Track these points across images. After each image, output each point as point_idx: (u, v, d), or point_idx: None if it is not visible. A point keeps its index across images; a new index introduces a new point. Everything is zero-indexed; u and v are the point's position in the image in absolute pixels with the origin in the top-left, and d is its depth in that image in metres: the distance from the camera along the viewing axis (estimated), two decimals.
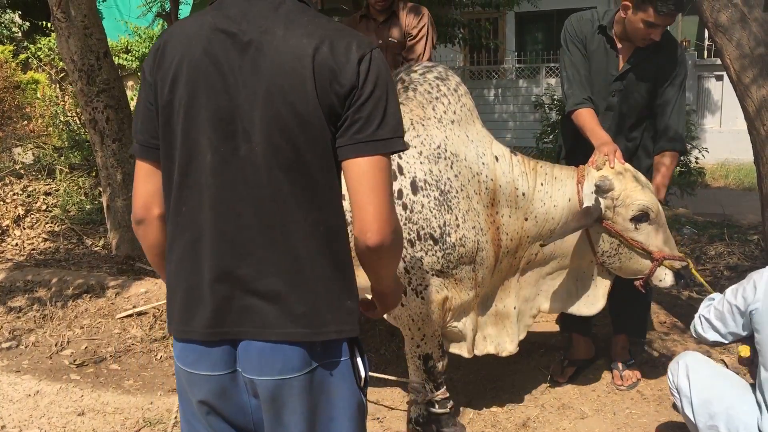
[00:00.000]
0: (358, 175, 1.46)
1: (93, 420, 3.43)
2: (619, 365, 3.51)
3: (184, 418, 1.69)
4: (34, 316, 4.56)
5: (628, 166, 2.91)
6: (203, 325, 1.52)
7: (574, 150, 3.37)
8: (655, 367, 3.62)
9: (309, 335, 1.49)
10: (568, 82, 3.31)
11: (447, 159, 2.75)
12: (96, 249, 5.77)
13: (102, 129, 5.43)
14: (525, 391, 3.47)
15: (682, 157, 5.59)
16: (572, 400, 3.39)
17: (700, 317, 2.66)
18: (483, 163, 2.81)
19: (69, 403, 3.59)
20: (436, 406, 2.97)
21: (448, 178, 2.73)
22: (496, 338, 3.05)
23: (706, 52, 12.30)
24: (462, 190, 2.74)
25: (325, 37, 1.45)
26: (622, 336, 3.55)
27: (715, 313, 2.58)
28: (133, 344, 4.24)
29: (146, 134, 1.59)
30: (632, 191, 2.81)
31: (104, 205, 5.56)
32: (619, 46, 3.25)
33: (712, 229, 5.95)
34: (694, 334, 2.75)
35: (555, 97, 8.31)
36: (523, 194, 2.86)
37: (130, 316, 4.53)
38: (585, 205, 2.83)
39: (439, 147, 2.75)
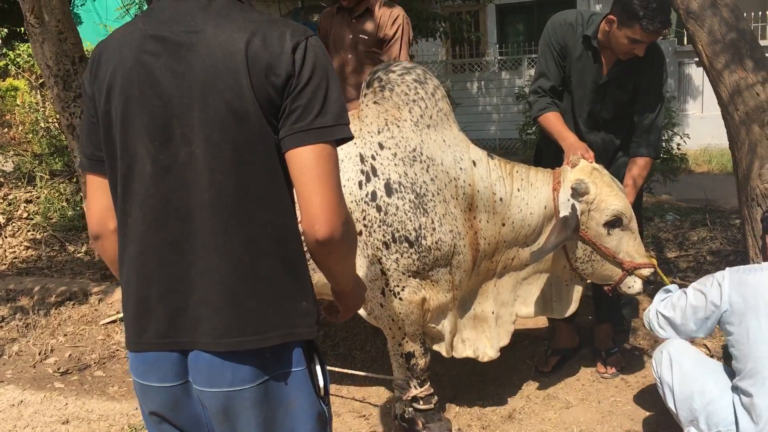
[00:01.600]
0: (301, 165, 1.41)
1: (77, 428, 3.41)
2: (603, 354, 3.52)
3: (147, 428, 1.67)
4: (17, 326, 4.52)
5: (601, 168, 2.91)
6: (154, 336, 1.49)
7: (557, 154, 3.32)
8: (638, 354, 3.64)
9: (257, 341, 1.45)
10: (534, 93, 3.31)
11: (423, 162, 2.72)
12: (78, 255, 5.74)
13: (80, 134, 5.38)
14: (510, 383, 3.47)
15: (663, 144, 5.61)
16: (557, 390, 3.40)
17: (656, 313, 2.65)
18: (461, 168, 2.79)
19: (53, 412, 3.57)
20: (421, 403, 2.96)
21: (424, 182, 2.71)
22: (475, 342, 3.05)
23: (686, 39, 12.34)
24: (438, 194, 2.73)
25: (257, 29, 1.42)
26: (605, 325, 3.56)
27: (674, 311, 2.57)
28: (117, 350, 4.21)
29: (92, 147, 1.58)
30: (607, 196, 2.81)
31: (85, 210, 5.52)
32: (602, 55, 3.21)
33: (694, 214, 5.98)
34: (647, 327, 2.75)
35: None
36: (501, 199, 2.85)
37: (114, 321, 4.50)
38: (562, 215, 2.82)
39: (414, 150, 2.73)
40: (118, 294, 4.75)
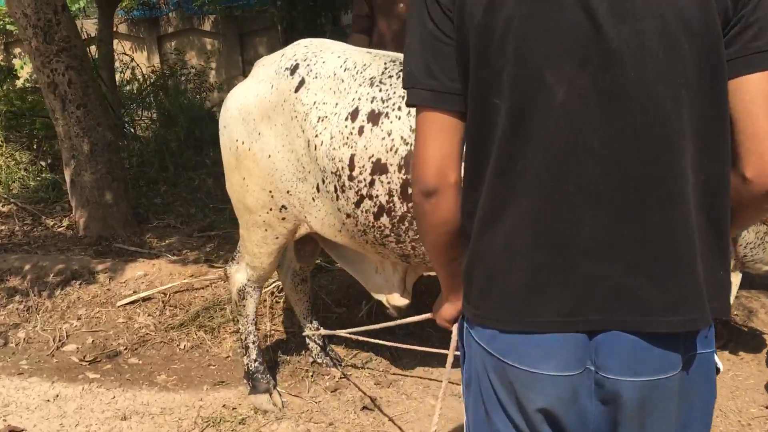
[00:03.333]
0: (757, 95, 1.13)
1: (141, 424, 2.94)
2: None
3: (488, 428, 1.30)
4: (17, 309, 3.92)
5: None
6: (558, 313, 1.16)
7: None
8: (737, 328, 3.55)
9: (702, 321, 1.16)
10: None
11: None
12: (60, 230, 5.08)
13: (63, 94, 4.73)
14: None
15: None
16: None
17: None
18: None
19: (102, 407, 3.07)
20: None
21: None
22: None
23: None
24: None
25: None
26: None
27: None
28: (146, 334, 3.71)
29: (441, 76, 1.21)
30: None
31: (67, 180, 4.88)
32: None
33: None
34: None
35: None
36: None
37: (133, 303, 3.98)
38: None
39: None
40: (129, 272, 4.21)
